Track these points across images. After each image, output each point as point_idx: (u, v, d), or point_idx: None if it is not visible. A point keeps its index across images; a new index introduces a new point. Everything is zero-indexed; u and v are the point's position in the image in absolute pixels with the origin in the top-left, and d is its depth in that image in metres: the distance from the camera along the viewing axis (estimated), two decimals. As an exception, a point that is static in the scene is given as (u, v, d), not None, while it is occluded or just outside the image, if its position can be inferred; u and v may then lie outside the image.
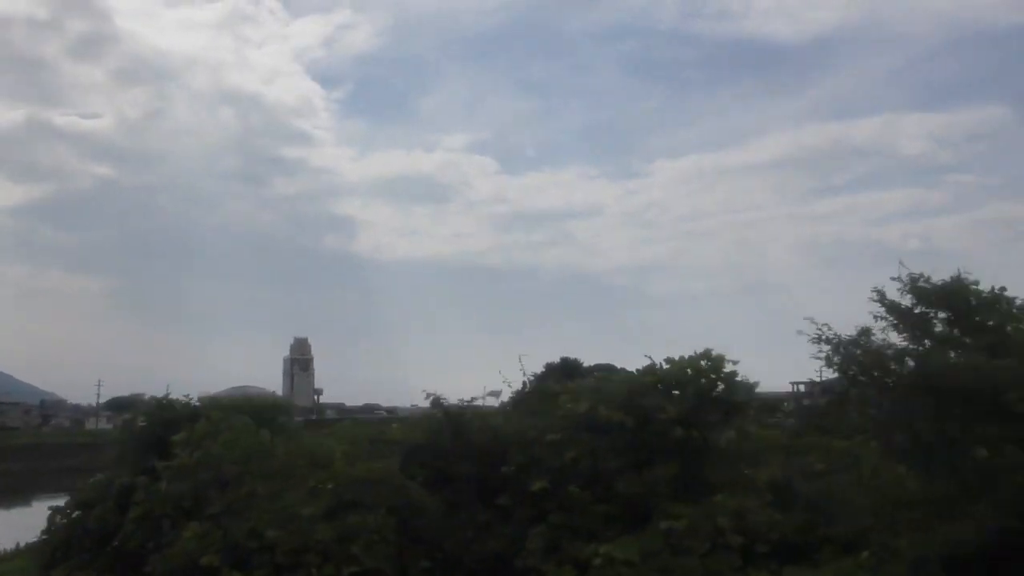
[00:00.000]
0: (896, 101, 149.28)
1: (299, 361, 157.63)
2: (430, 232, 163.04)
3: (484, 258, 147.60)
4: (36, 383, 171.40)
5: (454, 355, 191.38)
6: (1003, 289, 11.34)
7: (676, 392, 13.08)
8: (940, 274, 11.46)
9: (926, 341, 11.31)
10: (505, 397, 17.03)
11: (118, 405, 61.75)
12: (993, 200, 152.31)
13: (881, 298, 11.61)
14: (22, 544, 23.43)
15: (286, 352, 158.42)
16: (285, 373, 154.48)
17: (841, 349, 11.36)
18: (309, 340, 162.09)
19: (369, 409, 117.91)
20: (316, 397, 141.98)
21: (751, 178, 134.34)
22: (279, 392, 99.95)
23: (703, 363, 13.18)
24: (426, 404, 15.23)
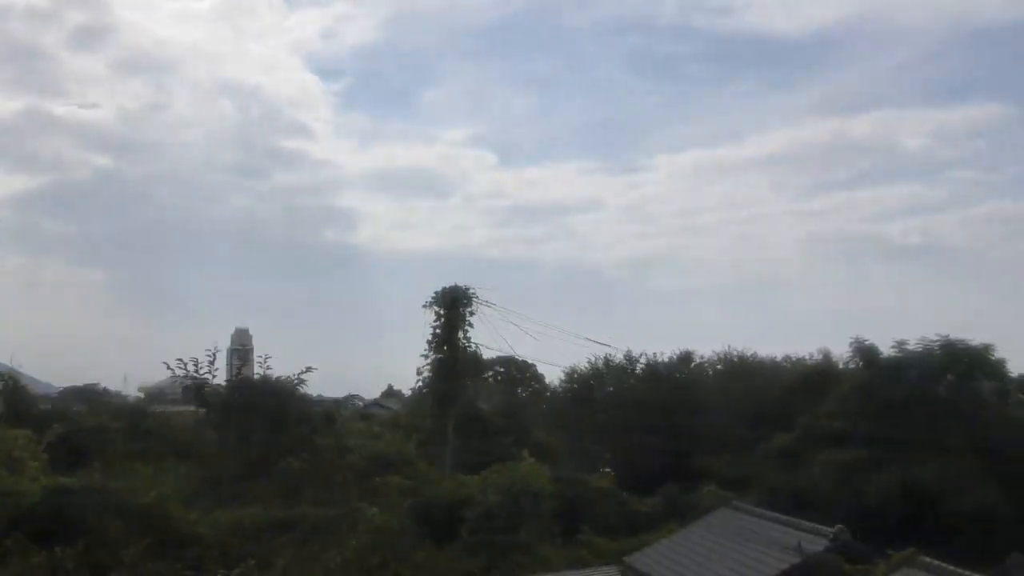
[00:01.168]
0: (896, 97, 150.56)
1: (239, 352, 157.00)
2: (429, 226, 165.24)
3: (483, 251, 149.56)
4: (35, 374, 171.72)
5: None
6: None
7: None
8: None
9: None
10: None
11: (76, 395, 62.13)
12: (993, 197, 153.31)
13: None
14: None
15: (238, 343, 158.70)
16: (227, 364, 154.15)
17: None
18: (250, 330, 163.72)
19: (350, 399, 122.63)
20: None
21: (751, 173, 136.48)
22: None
23: None
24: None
